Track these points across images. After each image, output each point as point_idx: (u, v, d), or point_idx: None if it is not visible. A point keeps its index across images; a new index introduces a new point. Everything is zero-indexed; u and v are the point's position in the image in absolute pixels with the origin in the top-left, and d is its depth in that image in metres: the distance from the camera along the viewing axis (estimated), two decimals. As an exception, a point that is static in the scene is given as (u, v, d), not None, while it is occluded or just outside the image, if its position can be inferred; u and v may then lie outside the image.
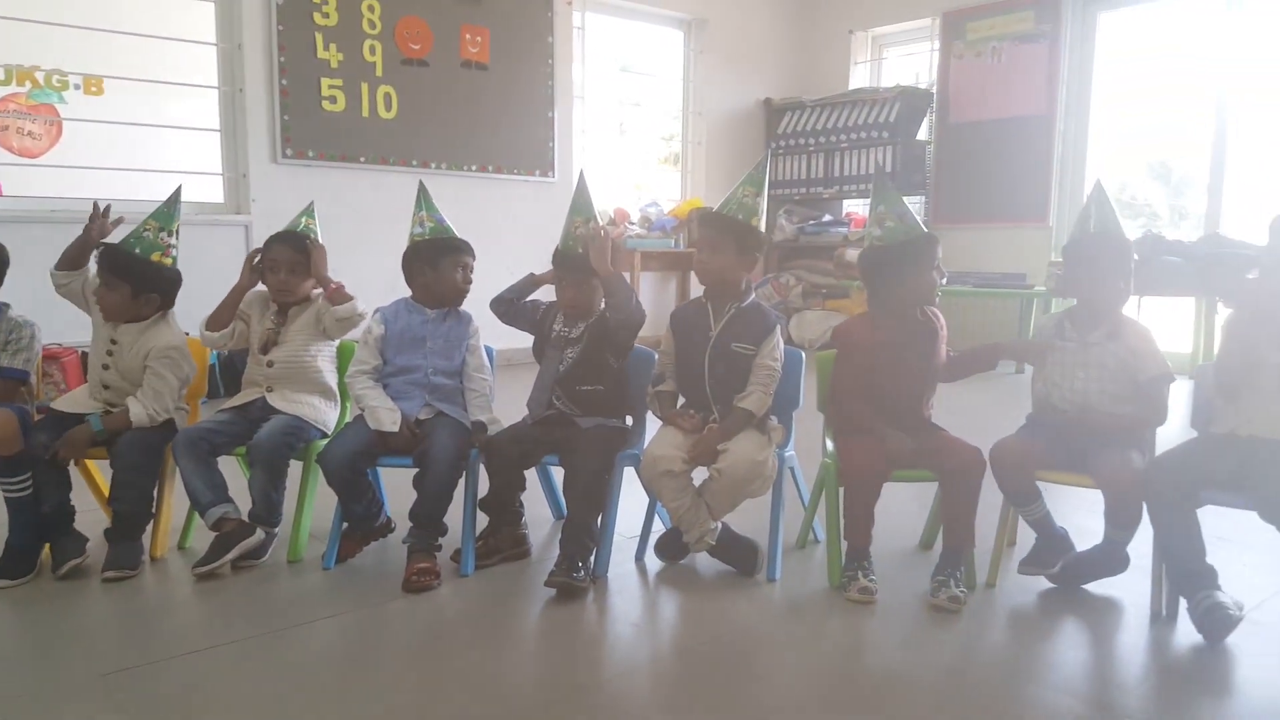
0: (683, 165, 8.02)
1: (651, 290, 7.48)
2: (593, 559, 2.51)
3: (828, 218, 7.89)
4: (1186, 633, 2.23)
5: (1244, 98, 6.13)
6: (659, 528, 2.77)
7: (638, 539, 2.76)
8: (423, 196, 2.81)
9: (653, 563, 2.69)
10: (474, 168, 6.41)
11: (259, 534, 2.59)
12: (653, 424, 2.69)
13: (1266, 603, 2.40)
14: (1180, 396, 2.53)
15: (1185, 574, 2.24)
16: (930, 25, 7.40)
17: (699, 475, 2.55)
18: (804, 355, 2.76)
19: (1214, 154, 6.25)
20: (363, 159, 5.97)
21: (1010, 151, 6.91)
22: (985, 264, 6.78)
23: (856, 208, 8.17)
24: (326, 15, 5.74)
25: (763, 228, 2.63)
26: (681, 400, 2.67)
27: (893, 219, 2.58)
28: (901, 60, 8.07)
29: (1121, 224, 2.58)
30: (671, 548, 2.65)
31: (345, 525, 2.65)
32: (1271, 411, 2.26)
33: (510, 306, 2.77)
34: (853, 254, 7.18)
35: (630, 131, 8.69)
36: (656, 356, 2.75)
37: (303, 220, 2.85)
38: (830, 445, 2.72)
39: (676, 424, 2.57)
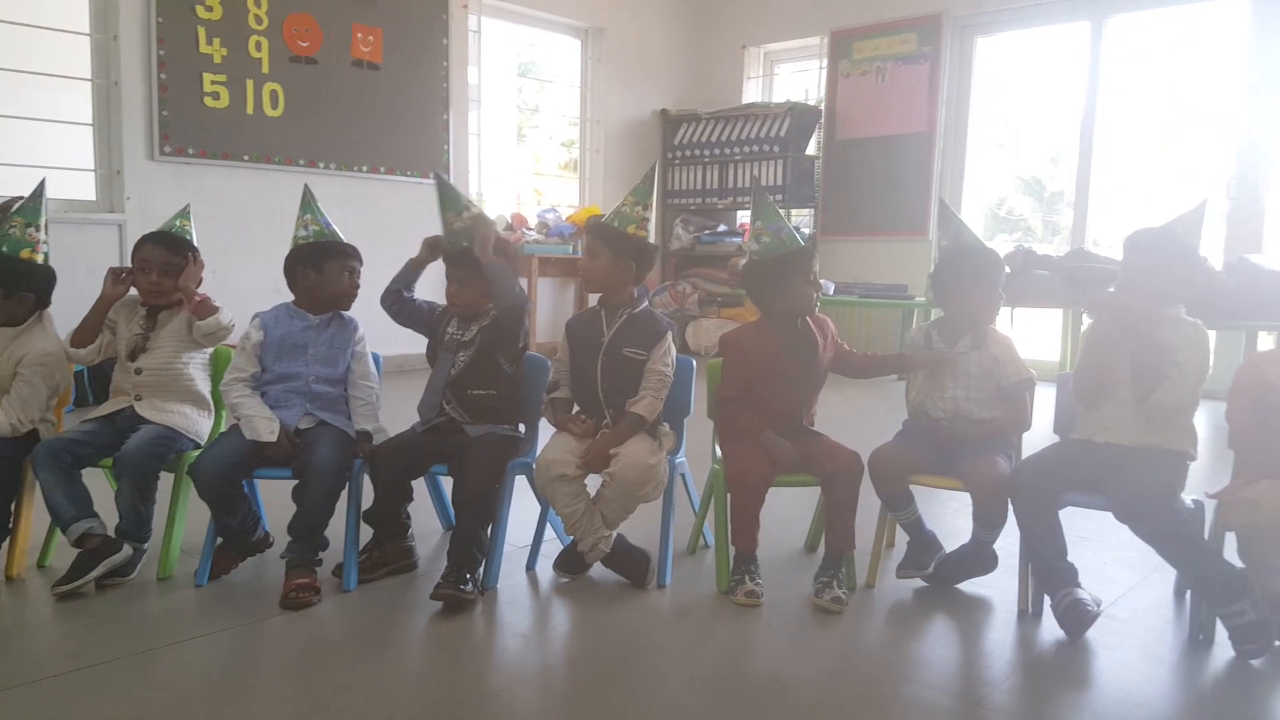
0: (581, 172, 8.03)
1: (549, 297, 7.46)
2: (481, 570, 2.48)
3: (723, 228, 8.03)
4: (1050, 628, 2.35)
5: (1108, 120, 6.52)
6: (551, 537, 2.76)
7: (529, 549, 2.74)
8: (308, 199, 2.73)
9: (544, 573, 2.68)
10: (364, 169, 6.28)
11: (126, 550, 2.46)
12: (546, 432, 2.68)
13: (1122, 598, 2.55)
14: (1045, 403, 2.67)
15: (1048, 572, 2.37)
16: (819, 44, 7.63)
17: (593, 484, 2.55)
18: (694, 363, 2.80)
19: (1079, 172, 6.63)
20: (247, 157, 5.77)
21: (894, 167, 7.18)
22: (871, 275, 7.01)
23: (750, 219, 8.33)
24: (210, 9, 5.53)
25: (651, 238, 2.66)
26: (576, 408, 2.68)
27: (769, 234, 2.65)
28: (792, 77, 8.29)
29: (980, 239, 2.71)
30: (571, 563, 2.63)
31: (219, 540, 2.55)
32: (1125, 418, 2.40)
33: (400, 301, 2.73)
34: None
35: (529, 137, 8.66)
36: (551, 364, 2.74)
37: (177, 222, 2.73)
38: (719, 451, 2.77)
39: (570, 429, 2.57)
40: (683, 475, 2.84)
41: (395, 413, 2.79)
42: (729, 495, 2.54)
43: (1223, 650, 2.23)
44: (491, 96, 7.39)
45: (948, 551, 2.63)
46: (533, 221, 7.29)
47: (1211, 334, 4.91)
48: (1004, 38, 7.00)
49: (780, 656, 2.22)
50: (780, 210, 2.76)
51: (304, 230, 2.69)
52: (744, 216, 8.30)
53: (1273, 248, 5.78)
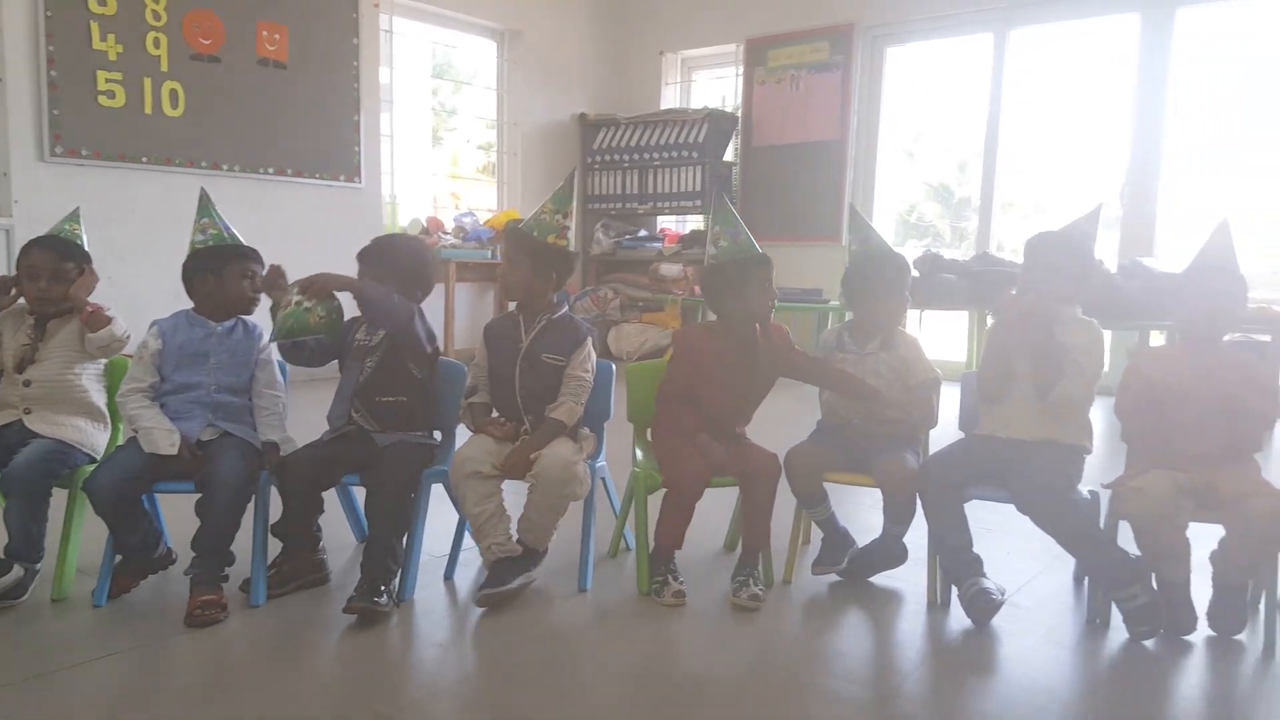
0: (499, 176, 7.97)
1: (467, 302, 7.37)
2: (397, 581, 2.44)
3: (643, 233, 8.06)
4: (958, 618, 2.43)
5: (1011, 128, 6.76)
6: (470, 546, 2.73)
7: (447, 558, 2.70)
8: (205, 203, 2.64)
9: (463, 582, 2.64)
10: (271, 171, 6.11)
11: (16, 571, 2.34)
12: (463, 439, 2.64)
13: (1025, 587, 2.64)
14: (951, 401, 2.76)
15: (955, 563, 2.45)
16: (735, 51, 7.73)
17: (518, 492, 2.53)
18: (614, 368, 2.80)
19: (984, 179, 6.86)
20: (145, 159, 5.55)
21: (808, 174, 7.31)
22: (787, 280, 7.08)
23: (670, 224, 8.39)
24: (104, 3, 5.30)
25: (571, 245, 2.64)
26: (495, 413, 2.65)
27: (726, 239, 2.68)
28: (710, 83, 8.38)
29: (887, 244, 2.78)
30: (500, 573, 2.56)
31: (118, 558, 2.45)
32: (1025, 415, 2.50)
33: (293, 349, 2.59)
34: (668, 269, 7.37)
35: (446, 140, 8.55)
36: (468, 369, 2.71)
37: (66, 226, 2.62)
38: (640, 455, 2.78)
39: (489, 433, 2.54)
40: (603, 479, 2.83)
41: (305, 422, 2.72)
42: (665, 494, 2.54)
43: (1118, 633, 2.33)
44: (405, 98, 7.29)
45: (860, 546, 2.69)
46: (449, 225, 7.20)
47: (1108, 333, 5.14)
48: (913, 48, 7.20)
49: (701, 655, 2.24)
50: (737, 216, 2.75)
51: (201, 234, 2.60)
52: (664, 222, 8.35)
53: (1163, 251, 6.07)
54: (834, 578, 2.67)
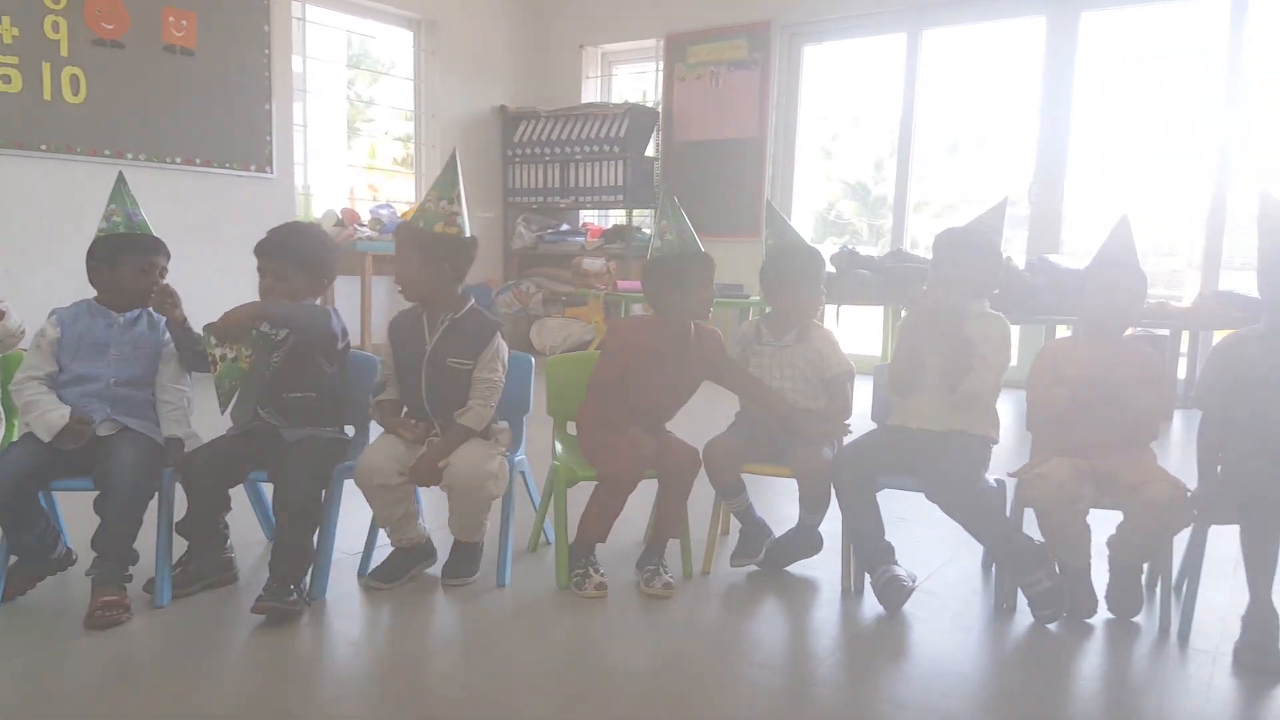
0: (416, 168, 7.84)
1: (384, 296, 7.22)
2: (308, 580, 2.38)
3: (566, 227, 8.03)
4: (871, 604, 2.48)
5: (924, 127, 6.94)
6: (384, 543, 2.68)
7: (360, 555, 2.64)
8: (118, 189, 2.52)
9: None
10: (178, 160, 5.89)
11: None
12: (377, 434, 2.59)
13: (935, 574, 2.72)
14: (865, 392, 2.82)
15: (868, 551, 2.50)
16: (655, 46, 7.75)
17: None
18: (533, 361, 2.78)
19: (898, 177, 7.03)
20: (44, 147, 5.30)
21: (728, 170, 7.38)
22: (719, 274, 7.16)
23: (592, 218, 8.38)
24: (-4, -17, 5.05)
25: (464, 231, 2.49)
26: (406, 410, 2.60)
27: (672, 233, 2.67)
28: (631, 78, 8.39)
29: (802, 238, 2.83)
30: (388, 571, 2.55)
31: (14, 559, 2.34)
32: (935, 406, 2.57)
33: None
34: (590, 263, 7.36)
35: (363, 131, 8.38)
36: (380, 363, 2.66)
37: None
38: (560, 448, 2.77)
39: (399, 434, 2.49)
40: (523, 473, 2.81)
41: (211, 417, 2.62)
42: (596, 487, 2.53)
43: (1023, 617, 2.42)
44: (320, 87, 7.11)
45: (777, 537, 2.73)
46: (366, 218, 7.06)
47: (1017, 328, 5.31)
48: (829, 47, 7.33)
49: (622, 646, 2.25)
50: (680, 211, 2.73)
51: (105, 222, 2.49)
52: (586, 216, 8.33)
53: (1069, 248, 6.31)
54: (752, 568, 2.71)
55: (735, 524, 2.82)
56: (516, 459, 2.65)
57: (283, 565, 2.28)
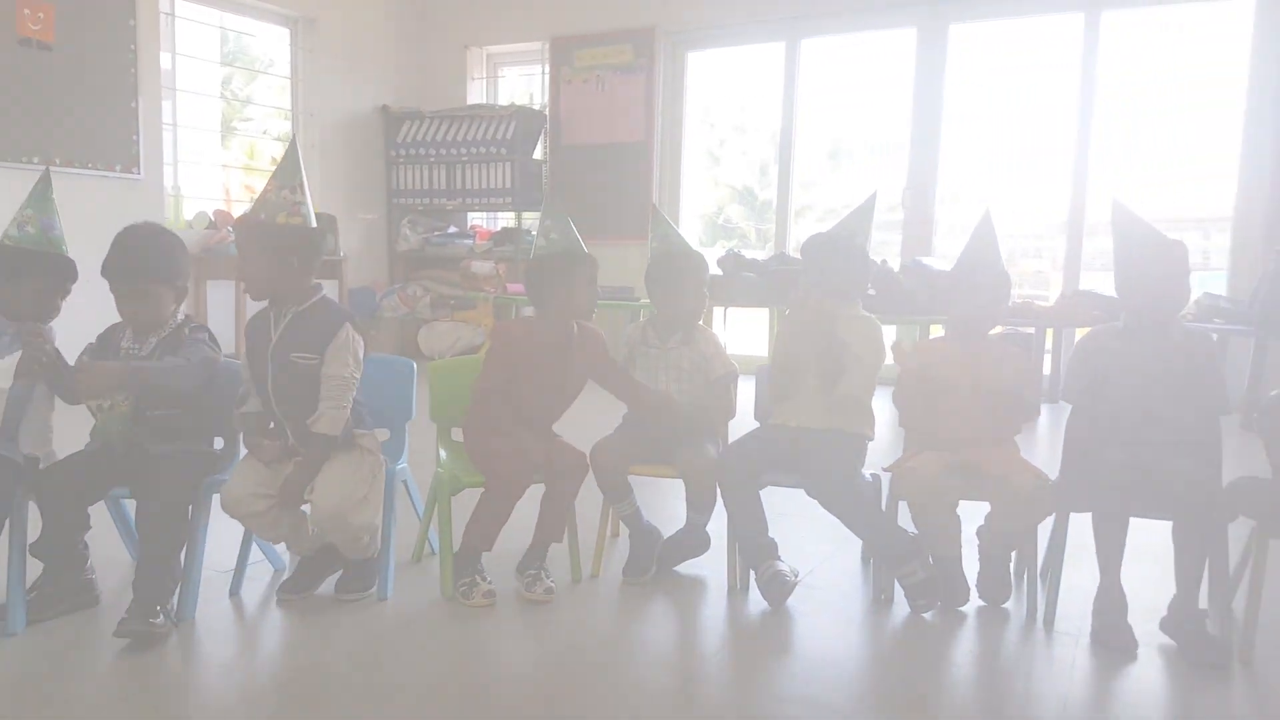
0: (295, 170, 7.56)
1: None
2: (175, 600, 2.26)
3: (453, 229, 7.90)
4: (756, 600, 2.53)
5: (803, 133, 7.13)
6: (257, 559, 2.58)
7: (232, 573, 2.53)
8: (42, 191, 2.35)
9: (250, 597, 2.49)
10: (36, 160, 5.53)
11: None
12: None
13: (817, 568, 2.79)
14: (749, 393, 2.87)
15: (752, 548, 2.55)
16: (541, 49, 7.71)
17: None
18: (414, 365, 2.72)
19: (779, 182, 7.20)
20: (-121, 143, 4.90)
21: (616, 174, 7.40)
22: (600, 278, 7.17)
23: (480, 220, 8.27)
24: None
25: (310, 221, 2.35)
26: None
27: (556, 233, 2.64)
28: (517, 80, 8.33)
29: (686, 242, 2.87)
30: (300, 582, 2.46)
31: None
32: (813, 406, 2.64)
33: None
34: (480, 266, 7.26)
35: (241, 131, 8.06)
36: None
37: None
38: (444, 455, 2.72)
39: (256, 454, 2.34)
40: (405, 482, 2.75)
41: (71, 435, 2.47)
42: (483, 494, 2.48)
43: (900, 607, 2.50)
44: (192, 85, 6.81)
45: (666, 537, 2.75)
46: (242, 221, 6.78)
47: (892, 328, 5.50)
48: (713, 54, 7.44)
49: (510, 653, 2.22)
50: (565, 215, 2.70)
51: (17, 229, 2.30)
52: (475, 218, 8.22)
53: (941, 250, 6.58)
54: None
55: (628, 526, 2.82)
56: (398, 467, 2.59)
57: (147, 586, 2.16)
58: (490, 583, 2.47)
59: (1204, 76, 6.30)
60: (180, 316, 2.42)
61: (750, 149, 9.35)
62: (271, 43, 7.50)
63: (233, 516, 2.31)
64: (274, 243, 2.30)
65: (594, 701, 1.98)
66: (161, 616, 2.16)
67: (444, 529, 2.53)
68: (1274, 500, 2.21)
